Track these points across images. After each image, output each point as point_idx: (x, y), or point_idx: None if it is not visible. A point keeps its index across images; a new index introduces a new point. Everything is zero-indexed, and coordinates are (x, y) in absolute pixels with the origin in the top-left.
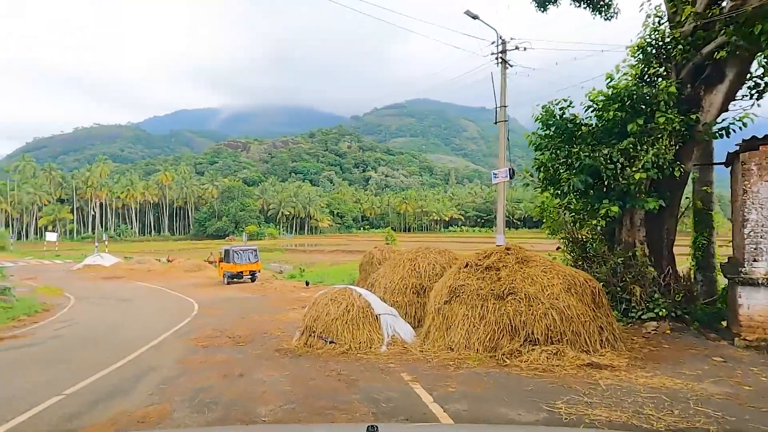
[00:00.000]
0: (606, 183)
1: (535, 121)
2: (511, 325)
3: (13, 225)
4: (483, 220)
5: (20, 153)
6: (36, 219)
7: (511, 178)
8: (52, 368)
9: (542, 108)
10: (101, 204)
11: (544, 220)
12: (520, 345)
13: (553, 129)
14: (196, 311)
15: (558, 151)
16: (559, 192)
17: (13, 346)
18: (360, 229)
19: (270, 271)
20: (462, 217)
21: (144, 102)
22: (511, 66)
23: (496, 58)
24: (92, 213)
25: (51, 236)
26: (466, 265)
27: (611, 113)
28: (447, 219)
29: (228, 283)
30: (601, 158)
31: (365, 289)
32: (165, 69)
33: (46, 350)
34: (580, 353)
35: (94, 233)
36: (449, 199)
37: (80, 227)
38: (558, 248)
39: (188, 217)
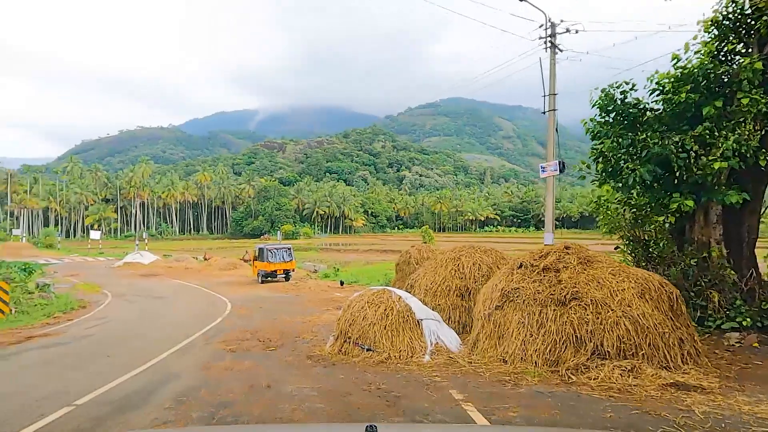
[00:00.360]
0: (677, 174)
1: (592, 106)
2: (576, 336)
3: (61, 223)
4: (519, 220)
5: (69, 155)
6: (83, 218)
7: (561, 171)
8: (71, 372)
9: (601, 92)
10: (143, 203)
11: (600, 217)
12: (587, 359)
13: (612, 115)
14: (229, 310)
15: (620, 139)
16: (621, 185)
17: (42, 346)
18: (394, 229)
19: (304, 270)
20: (498, 217)
21: (184, 104)
22: (561, 51)
23: (545, 43)
24: (135, 212)
25: (95, 234)
26: (520, 266)
27: (683, 95)
28: (482, 219)
29: (262, 282)
30: (672, 146)
31: (404, 290)
32: (204, 72)
33: (72, 351)
34: (659, 370)
35: (136, 232)
36: (485, 199)
37: (123, 226)
38: (616, 248)
39: (226, 217)
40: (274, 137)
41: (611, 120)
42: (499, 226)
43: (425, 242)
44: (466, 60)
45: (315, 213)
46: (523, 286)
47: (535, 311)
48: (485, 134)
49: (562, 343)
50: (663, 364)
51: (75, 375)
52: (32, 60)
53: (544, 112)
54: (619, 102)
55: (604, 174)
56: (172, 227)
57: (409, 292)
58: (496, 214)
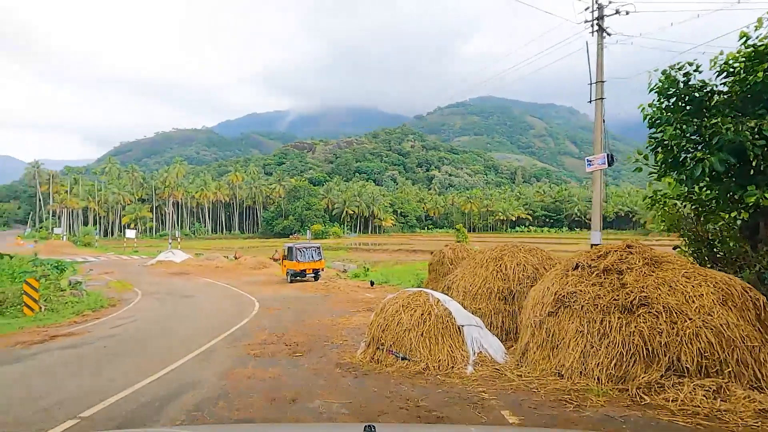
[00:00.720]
0: (753, 164)
1: (650, 91)
2: (646, 348)
3: (100, 222)
4: (552, 220)
5: (108, 156)
6: (120, 217)
7: (609, 165)
8: (86, 377)
9: (662, 74)
10: (177, 203)
11: (658, 214)
12: (661, 376)
13: (673, 100)
14: (256, 311)
15: (684, 126)
16: (684, 177)
17: (64, 346)
18: (423, 229)
19: (334, 270)
20: (530, 217)
21: (217, 106)
22: (609, 35)
23: (591, 26)
24: (169, 211)
25: (130, 233)
26: (576, 267)
27: (759, 75)
28: (513, 219)
29: (291, 282)
30: (747, 132)
31: (440, 292)
32: (237, 75)
33: (92, 353)
34: (751, 391)
35: (170, 231)
36: (516, 198)
37: (159, 225)
38: (676, 248)
39: (257, 216)
40: (304, 138)
41: (671, 105)
42: (530, 226)
43: (459, 241)
44: (497, 59)
45: (344, 213)
46: (580, 290)
47: (596, 319)
48: (516, 133)
49: (630, 357)
50: (754, 384)
51: (89, 380)
52: (75, 66)
53: (590, 101)
54: (681, 85)
55: (663, 165)
56: (204, 226)
57: (446, 295)
58: (527, 214)
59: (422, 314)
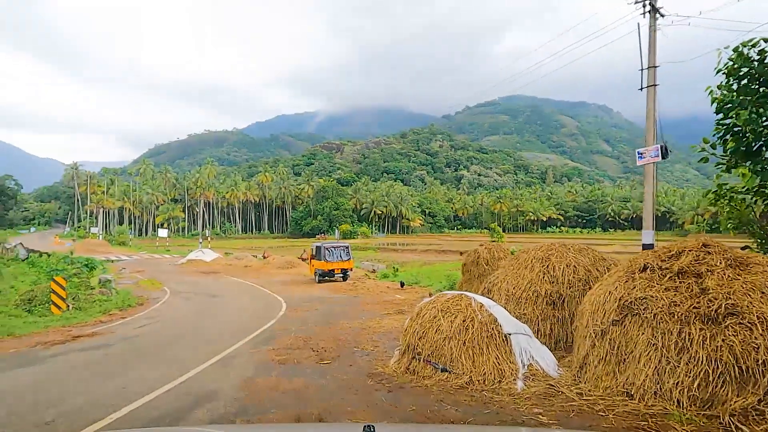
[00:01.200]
0: None
1: (717, 72)
2: (738, 366)
3: (134, 222)
4: (584, 221)
5: (143, 158)
6: (153, 217)
7: (663, 157)
8: (98, 384)
9: (733, 51)
10: (208, 203)
11: (726, 210)
12: (760, 401)
13: (745, 81)
14: (283, 312)
15: (761, 110)
16: (761, 167)
17: (84, 348)
18: (452, 229)
19: (362, 270)
20: (561, 217)
21: (248, 108)
22: (662, 16)
23: (643, 6)
24: (200, 211)
25: (162, 233)
26: (644, 269)
27: None
28: (544, 219)
29: (319, 282)
30: None
31: (479, 294)
32: (266, 77)
33: (111, 356)
34: None
35: (203, 230)
36: (547, 198)
37: (190, 225)
38: (744, 248)
39: (286, 216)
40: (333, 138)
41: (744, 87)
42: (562, 227)
43: (494, 241)
44: (528, 53)
45: (372, 213)
46: (651, 296)
47: (673, 330)
48: (547, 132)
49: (717, 376)
50: None
51: (101, 388)
52: (115, 72)
53: (641, 88)
54: (756, 64)
55: (736, 155)
56: (234, 226)
57: (488, 298)
58: (559, 214)
59: (464, 320)
